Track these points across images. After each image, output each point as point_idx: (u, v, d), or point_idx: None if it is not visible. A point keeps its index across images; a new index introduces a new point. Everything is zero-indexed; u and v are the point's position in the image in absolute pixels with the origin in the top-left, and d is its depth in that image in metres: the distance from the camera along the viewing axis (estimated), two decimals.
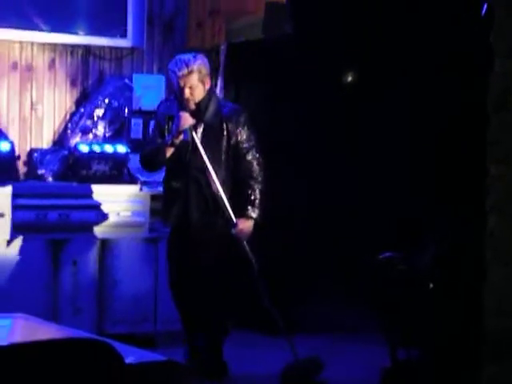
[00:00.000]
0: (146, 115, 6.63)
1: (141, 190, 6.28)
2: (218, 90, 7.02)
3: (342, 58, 6.84)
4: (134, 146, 6.50)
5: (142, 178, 6.37)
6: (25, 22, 6.67)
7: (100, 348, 2.50)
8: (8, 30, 6.59)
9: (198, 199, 5.25)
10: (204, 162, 5.18)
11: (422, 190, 6.37)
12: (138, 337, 5.99)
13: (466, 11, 5.91)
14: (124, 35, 6.98)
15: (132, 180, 6.29)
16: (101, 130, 6.64)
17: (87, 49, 6.84)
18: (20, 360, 2.40)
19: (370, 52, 6.68)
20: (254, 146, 5.31)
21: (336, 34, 6.70)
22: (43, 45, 6.68)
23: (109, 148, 6.41)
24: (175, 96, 5.33)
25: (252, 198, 5.26)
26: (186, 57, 5.25)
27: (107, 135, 6.66)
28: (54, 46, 6.72)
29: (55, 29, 6.76)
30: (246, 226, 5.26)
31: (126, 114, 6.66)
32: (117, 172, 6.39)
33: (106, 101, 6.65)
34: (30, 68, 6.65)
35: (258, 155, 5.31)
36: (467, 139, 5.55)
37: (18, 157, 6.27)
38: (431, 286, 4.85)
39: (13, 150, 6.17)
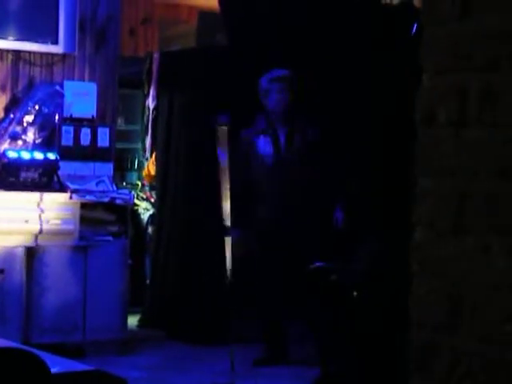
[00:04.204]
0: (76, 122, 6.58)
1: (71, 198, 6.21)
2: (150, 99, 7.00)
3: (276, 67, 6.87)
4: (65, 153, 6.43)
5: (72, 186, 6.31)
6: None
7: (25, 358, 2.47)
8: None
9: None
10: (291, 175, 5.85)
11: (356, 203, 6.43)
12: (66, 346, 5.92)
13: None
14: (55, 41, 6.90)
15: (62, 188, 6.22)
16: (30, 136, 6.55)
17: (17, 54, 6.75)
18: None
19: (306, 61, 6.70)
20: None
21: (270, 42, 6.73)
22: None
23: (38, 155, 6.33)
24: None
25: None
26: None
27: (37, 142, 6.57)
28: None
29: None
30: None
31: (56, 121, 6.59)
32: (46, 179, 6.31)
33: (36, 107, 6.57)
34: None
35: None
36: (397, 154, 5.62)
37: None
38: (355, 294, 4.89)
39: None
